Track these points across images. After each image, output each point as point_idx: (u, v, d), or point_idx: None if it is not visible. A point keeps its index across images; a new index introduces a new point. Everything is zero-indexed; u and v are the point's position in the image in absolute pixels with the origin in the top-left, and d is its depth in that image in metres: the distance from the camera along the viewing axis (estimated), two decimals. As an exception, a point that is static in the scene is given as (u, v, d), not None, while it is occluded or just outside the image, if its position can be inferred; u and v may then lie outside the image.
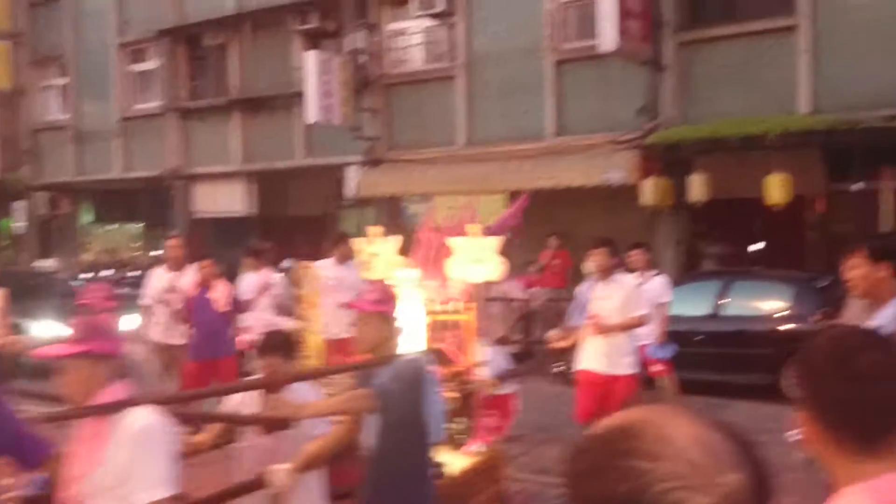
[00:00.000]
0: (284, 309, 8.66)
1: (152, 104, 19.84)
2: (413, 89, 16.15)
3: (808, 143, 11.73)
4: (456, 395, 4.91)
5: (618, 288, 6.66)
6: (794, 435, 4.14)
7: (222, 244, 18.59)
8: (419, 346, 4.48)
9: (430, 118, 15.73)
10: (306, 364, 5.40)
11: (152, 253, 18.85)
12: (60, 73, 22.15)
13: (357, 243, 5.17)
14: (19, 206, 22.68)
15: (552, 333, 7.32)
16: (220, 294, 8.44)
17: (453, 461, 4.98)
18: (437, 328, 5.27)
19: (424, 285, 5.34)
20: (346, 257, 8.42)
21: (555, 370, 9.93)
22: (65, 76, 21.94)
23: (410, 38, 16.29)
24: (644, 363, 8.70)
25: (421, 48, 16.22)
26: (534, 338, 9.40)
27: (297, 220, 17.29)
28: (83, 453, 2.82)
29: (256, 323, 8.36)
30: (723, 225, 13.89)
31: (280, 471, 3.55)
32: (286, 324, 7.03)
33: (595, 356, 6.57)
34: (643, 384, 8.74)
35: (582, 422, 6.59)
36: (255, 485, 3.70)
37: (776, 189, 11.68)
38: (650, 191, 12.67)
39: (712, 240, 14.08)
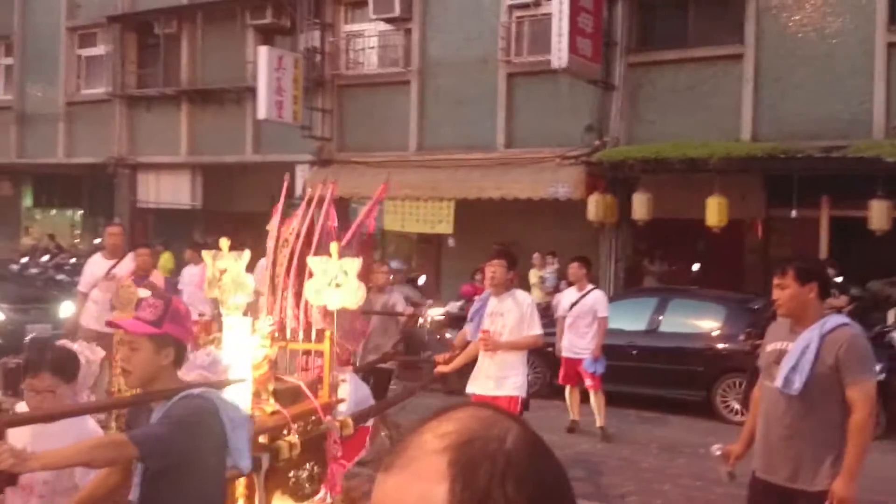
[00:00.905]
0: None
1: (99, 90, 19.47)
2: (366, 92, 16.17)
3: (748, 168, 12.09)
4: (298, 438, 4.19)
5: (513, 305, 6.14)
6: (717, 449, 4.30)
7: (165, 235, 18.37)
8: (241, 384, 3.78)
9: (381, 122, 15.76)
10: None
11: (95, 241, 18.48)
12: (6, 52, 21.61)
13: (205, 257, 4.42)
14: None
15: (439, 356, 6.79)
16: (155, 283, 8.40)
17: None
18: (291, 359, 4.67)
19: (274, 308, 4.72)
20: None
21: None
22: (10, 56, 21.41)
23: (366, 41, 16.30)
24: (579, 376, 8.91)
25: (376, 52, 16.24)
26: (423, 356, 9.11)
27: (243, 215, 17.13)
28: None
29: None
30: (664, 243, 14.22)
31: None
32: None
33: (481, 377, 6.18)
34: (581, 395, 8.97)
35: None
36: None
37: (716, 211, 11.99)
38: (595, 207, 12.91)
39: (653, 257, 14.39)
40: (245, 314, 4.28)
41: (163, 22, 18.13)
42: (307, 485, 4.54)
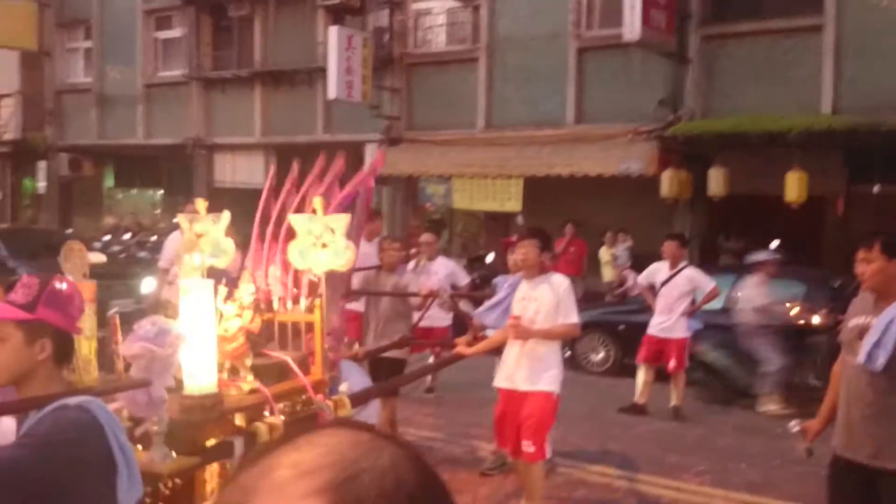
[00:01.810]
0: None
1: (176, 72, 19.92)
2: (434, 70, 16.17)
3: (829, 142, 11.71)
4: (284, 419, 3.69)
5: (548, 289, 5.44)
6: (795, 426, 4.22)
7: (240, 215, 18.74)
8: (203, 360, 3.31)
9: (449, 100, 15.75)
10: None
11: (174, 220, 18.99)
12: (86, 36, 22.26)
13: (181, 221, 3.97)
14: (41, 167, 22.88)
15: (460, 338, 6.16)
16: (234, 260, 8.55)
17: None
18: (279, 333, 4.19)
19: (259, 277, 4.27)
20: (374, 234, 8.44)
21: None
22: (90, 40, 22.05)
23: (434, 19, 16.28)
24: (660, 356, 8.76)
25: (444, 29, 16.21)
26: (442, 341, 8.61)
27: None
28: None
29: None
30: (740, 220, 13.89)
31: None
32: None
33: (511, 370, 5.56)
34: (659, 376, 8.86)
35: (501, 447, 5.78)
36: None
37: (795, 187, 11.68)
38: (668, 183, 12.68)
39: (729, 235, 14.09)
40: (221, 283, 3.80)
41: (236, 4, 18.42)
42: None
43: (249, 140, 18.70)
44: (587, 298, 13.84)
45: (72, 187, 23.13)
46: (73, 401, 2.21)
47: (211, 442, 3.33)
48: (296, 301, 4.22)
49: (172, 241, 9.33)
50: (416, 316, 7.17)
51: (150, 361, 2.81)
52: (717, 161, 12.41)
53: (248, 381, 3.72)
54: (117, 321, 3.11)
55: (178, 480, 3.12)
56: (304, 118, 17.64)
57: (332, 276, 4.13)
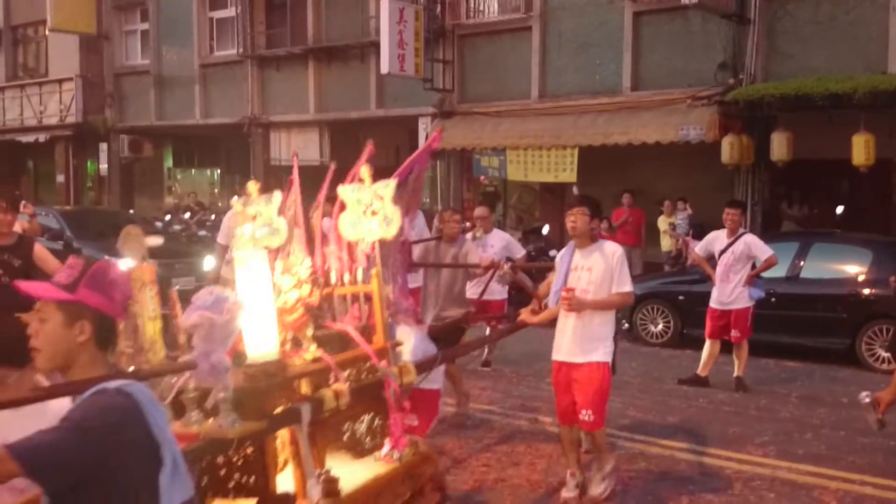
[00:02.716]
0: None
1: (231, 52, 20.09)
2: (487, 41, 15.99)
3: (896, 103, 11.27)
4: (349, 386, 3.74)
5: (600, 258, 5.33)
6: (866, 397, 4.08)
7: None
8: (263, 329, 3.37)
9: (503, 70, 15.57)
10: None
11: (233, 199, 19.26)
12: (142, 18, 22.58)
13: (234, 204, 3.96)
14: (103, 149, 23.38)
15: (523, 308, 5.97)
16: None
17: (356, 472, 3.86)
18: (338, 304, 4.18)
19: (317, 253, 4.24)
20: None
21: None
22: (146, 21, 22.36)
23: (486, -12, 16.09)
24: (726, 329, 8.57)
25: (496, -1, 16.01)
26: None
27: (376, 170, 17.39)
28: None
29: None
30: (805, 185, 13.51)
31: None
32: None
33: (566, 342, 5.43)
34: (723, 347, 8.69)
35: (562, 422, 5.56)
36: None
37: (862, 150, 11.29)
38: (729, 148, 12.35)
39: (792, 200, 13.72)
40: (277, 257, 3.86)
41: (288, -19, 18.46)
42: (367, 439, 4.08)
43: (304, 117, 18.80)
44: (646, 269, 13.68)
45: (132, 168, 23.60)
46: (112, 384, 2.18)
47: (278, 409, 3.36)
48: (353, 273, 4.22)
49: (230, 219, 9.46)
50: (469, 287, 7.16)
51: (209, 330, 2.81)
52: (780, 125, 12.05)
53: (311, 351, 3.75)
54: (176, 296, 3.14)
55: (249, 449, 3.19)
56: (357, 94, 17.65)
57: (384, 246, 4.11)
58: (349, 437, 3.98)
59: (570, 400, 5.42)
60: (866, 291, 9.57)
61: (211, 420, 3.04)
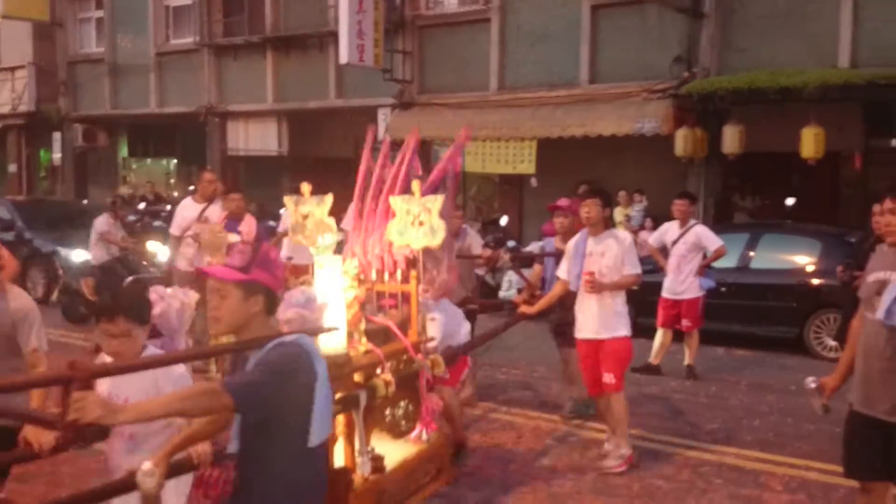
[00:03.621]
0: None
1: (187, 40, 19.86)
2: (446, 32, 16.00)
3: (846, 97, 11.50)
4: (391, 377, 4.34)
5: (614, 243, 5.91)
6: (812, 382, 4.19)
7: (254, 182, 18.77)
8: (335, 325, 3.78)
9: (462, 62, 15.60)
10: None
11: (189, 189, 19.06)
12: (97, 5, 22.21)
13: (287, 203, 4.36)
14: (56, 138, 22.97)
15: (518, 297, 6.65)
16: (246, 227, 8.63)
17: (394, 451, 4.59)
18: (378, 300, 4.85)
19: (358, 252, 4.83)
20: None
21: None
22: (101, 9, 21.99)
23: (445, -21, 16.09)
24: (676, 319, 8.73)
25: (455, -10, 16.03)
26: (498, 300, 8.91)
27: (328, 160, 17.36)
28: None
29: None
30: (756, 178, 13.75)
31: (146, 471, 2.88)
32: None
33: (588, 322, 5.97)
34: (675, 336, 8.84)
35: (592, 393, 6.16)
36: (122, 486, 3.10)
37: (812, 143, 11.51)
38: (683, 141, 12.54)
39: (745, 192, 13.96)
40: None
41: (245, -31, 18.27)
42: (403, 422, 4.67)
43: (262, 107, 18.66)
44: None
45: (86, 158, 23.24)
46: (289, 338, 2.80)
47: (339, 395, 3.90)
48: (392, 273, 4.78)
49: (183, 210, 9.35)
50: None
51: (301, 325, 3.14)
52: (732, 118, 12.25)
53: (363, 344, 4.28)
54: None
55: None
56: (316, 84, 17.56)
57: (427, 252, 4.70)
58: (389, 421, 4.53)
59: (599, 373, 5.92)
60: (815, 281, 9.79)
61: None
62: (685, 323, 8.66)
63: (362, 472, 4.19)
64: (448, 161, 5.24)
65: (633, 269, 5.90)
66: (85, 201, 20.37)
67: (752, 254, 10.33)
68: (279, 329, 2.95)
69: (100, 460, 3.74)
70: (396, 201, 4.52)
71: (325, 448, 2.97)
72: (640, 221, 13.54)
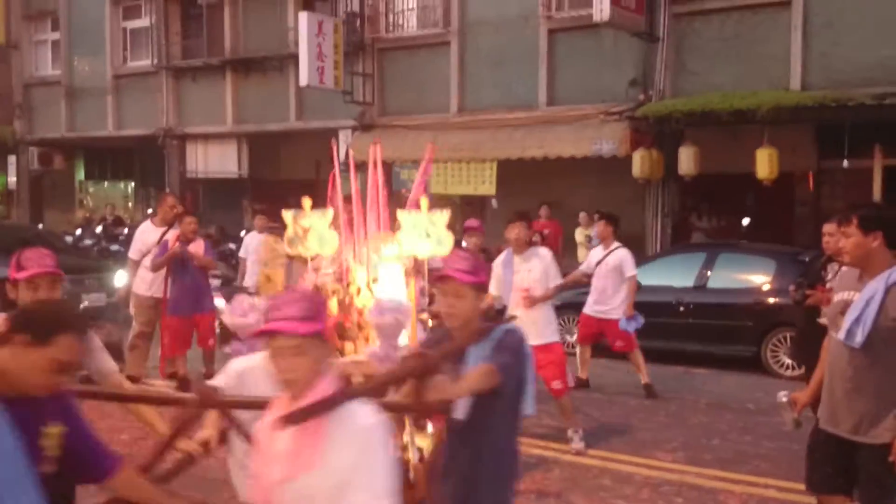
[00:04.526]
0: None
1: (145, 62, 19.69)
2: (406, 55, 16.08)
3: (798, 118, 11.78)
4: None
5: (537, 261, 6.84)
6: (784, 396, 4.26)
7: (213, 205, 18.65)
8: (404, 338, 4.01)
9: (422, 84, 15.68)
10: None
11: (148, 212, 18.85)
12: (53, 27, 21.95)
13: (285, 216, 4.45)
14: (11, 161, 22.59)
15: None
16: (197, 250, 8.58)
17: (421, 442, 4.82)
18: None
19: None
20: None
21: None
22: (57, 31, 21.74)
23: (405, 3, 16.18)
24: (597, 336, 8.83)
25: (415, 13, 16.12)
26: None
27: (288, 182, 17.29)
28: (285, 454, 2.40)
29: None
30: (712, 198, 13.98)
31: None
32: None
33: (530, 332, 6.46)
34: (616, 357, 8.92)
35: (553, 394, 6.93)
36: None
37: (766, 164, 11.74)
38: (640, 163, 12.72)
39: (701, 213, 14.17)
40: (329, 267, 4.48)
41: (204, -9, 18.21)
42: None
43: (221, 129, 18.54)
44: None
45: (42, 181, 22.88)
46: (510, 326, 3.43)
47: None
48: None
49: (142, 234, 9.23)
50: None
51: (394, 329, 3.57)
52: (688, 140, 12.46)
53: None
54: None
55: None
56: (276, 106, 17.51)
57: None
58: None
59: (540, 377, 6.46)
60: (770, 300, 9.94)
61: None
62: (618, 344, 8.73)
63: (412, 457, 4.06)
64: (424, 172, 5.40)
65: (557, 280, 6.92)
66: (40, 225, 20.04)
67: (708, 273, 10.47)
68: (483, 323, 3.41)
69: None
70: (404, 216, 4.62)
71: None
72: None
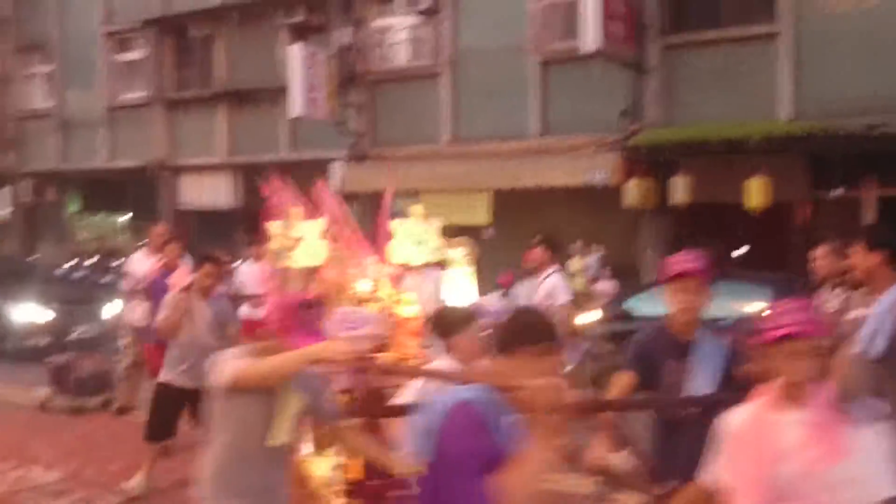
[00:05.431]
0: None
1: (138, 94, 19.76)
2: (398, 86, 16.16)
3: (789, 148, 11.83)
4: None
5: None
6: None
7: (207, 237, 18.57)
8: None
9: (414, 115, 15.75)
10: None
11: (140, 244, 18.80)
12: (45, 60, 22.01)
13: (272, 228, 4.54)
14: (4, 193, 22.55)
15: None
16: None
17: None
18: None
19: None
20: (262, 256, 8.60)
21: None
22: (50, 64, 21.80)
23: (396, 35, 16.30)
24: None
25: (406, 45, 16.24)
26: None
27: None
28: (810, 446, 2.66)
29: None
30: (705, 228, 13.95)
31: None
32: None
33: None
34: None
35: None
36: None
37: (757, 194, 11.77)
38: (633, 192, 12.75)
39: (694, 242, 14.13)
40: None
41: (198, 24, 18.33)
42: None
43: (214, 161, 18.56)
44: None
45: (35, 213, 22.82)
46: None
47: None
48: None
49: (135, 264, 9.23)
50: None
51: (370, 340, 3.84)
52: (680, 170, 12.49)
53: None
54: None
55: None
56: (269, 137, 17.55)
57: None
58: None
59: None
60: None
61: None
62: None
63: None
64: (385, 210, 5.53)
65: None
66: (33, 257, 19.96)
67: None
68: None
69: None
70: (397, 225, 4.98)
71: None
72: (597, 272, 13.64)
